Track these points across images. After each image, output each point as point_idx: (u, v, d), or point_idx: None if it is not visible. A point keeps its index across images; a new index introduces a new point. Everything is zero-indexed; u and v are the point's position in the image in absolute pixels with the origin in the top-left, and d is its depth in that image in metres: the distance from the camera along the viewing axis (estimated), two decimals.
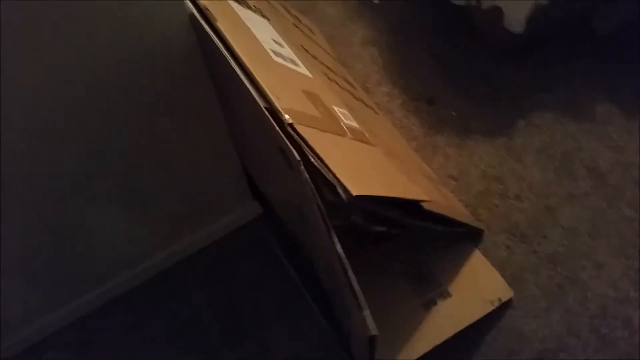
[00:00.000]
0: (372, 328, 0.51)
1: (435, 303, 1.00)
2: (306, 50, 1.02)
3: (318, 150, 0.60)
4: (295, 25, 1.17)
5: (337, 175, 0.58)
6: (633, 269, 1.12)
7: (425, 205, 0.76)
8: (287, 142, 0.60)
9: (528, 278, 1.12)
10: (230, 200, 1.14)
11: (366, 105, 1.14)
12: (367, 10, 1.48)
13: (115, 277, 1.12)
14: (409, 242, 1.08)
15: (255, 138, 0.78)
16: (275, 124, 0.62)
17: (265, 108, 0.63)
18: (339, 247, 0.55)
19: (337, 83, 1.03)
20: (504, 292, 1.08)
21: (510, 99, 1.33)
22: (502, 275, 1.11)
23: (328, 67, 1.10)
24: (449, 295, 1.02)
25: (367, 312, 0.51)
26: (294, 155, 0.59)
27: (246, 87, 0.64)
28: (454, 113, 1.32)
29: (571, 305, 1.09)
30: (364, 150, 0.74)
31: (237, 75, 0.65)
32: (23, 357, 1.08)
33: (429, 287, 1.02)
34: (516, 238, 1.16)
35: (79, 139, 0.83)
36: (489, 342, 1.06)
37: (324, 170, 0.58)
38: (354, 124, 0.79)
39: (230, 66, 0.66)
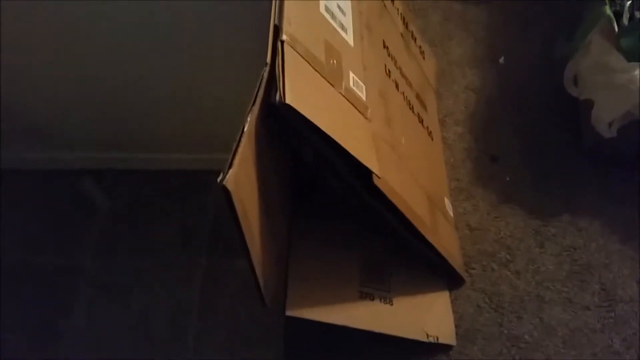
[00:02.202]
0: (227, 179, 0.61)
1: (372, 299, 1.06)
2: (385, 47, 1.15)
3: (287, 67, 0.73)
4: (402, 34, 1.30)
5: (285, 84, 0.71)
6: None
7: (376, 180, 0.85)
8: (270, 48, 0.74)
9: (479, 342, 1.12)
10: None
11: (421, 123, 1.23)
12: (488, 63, 1.55)
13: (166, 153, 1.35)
14: (387, 245, 1.14)
15: None
16: (271, 39, 0.76)
17: (275, 25, 0.78)
18: (247, 124, 0.68)
19: (396, 83, 1.14)
20: (447, 336, 1.10)
21: (569, 193, 1.31)
22: (456, 325, 1.12)
23: (403, 74, 1.21)
24: (390, 302, 1.07)
25: (233, 172, 0.63)
26: (266, 58, 0.73)
27: (272, 7, 0.79)
28: (508, 178, 1.34)
29: None
30: (345, 107, 0.85)
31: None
32: (64, 175, 1.35)
33: (376, 285, 1.07)
34: (492, 304, 1.16)
35: None
36: None
37: (279, 77, 0.71)
38: (361, 95, 0.90)
39: None
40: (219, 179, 0.63)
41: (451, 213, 1.24)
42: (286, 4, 0.80)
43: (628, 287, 1.18)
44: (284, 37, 0.76)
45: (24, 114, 1.24)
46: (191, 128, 1.26)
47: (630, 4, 1.19)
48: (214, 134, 1.21)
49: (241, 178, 0.67)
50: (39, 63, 1.15)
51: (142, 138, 1.29)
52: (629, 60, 1.14)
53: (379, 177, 0.85)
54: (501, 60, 1.56)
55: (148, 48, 1.13)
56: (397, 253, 1.11)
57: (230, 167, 0.64)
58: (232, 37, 1.10)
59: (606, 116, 1.22)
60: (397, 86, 1.15)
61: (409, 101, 1.20)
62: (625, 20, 1.18)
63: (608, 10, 1.17)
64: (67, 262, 1.24)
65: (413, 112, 1.21)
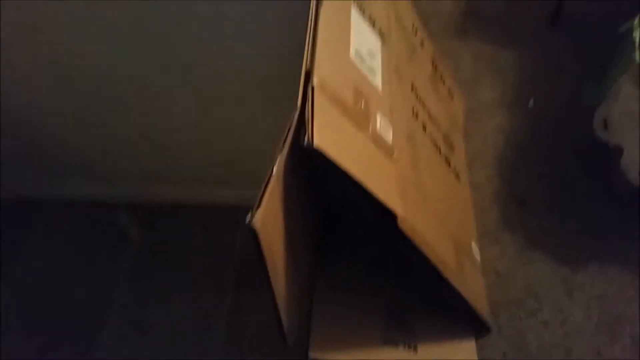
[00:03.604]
0: (255, 219, 0.62)
1: (396, 345, 1.04)
2: (413, 89, 1.16)
3: (316, 111, 0.74)
4: (430, 76, 1.32)
5: (314, 127, 0.72)
6: None
7: (400, 223, 0.85)
8: (300, 93, 0.76)
9: None
10: None
11: (448, 164, 1.23)
12: (518, 106, 1.55)
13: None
14: (412, 289, 1.13)
15: None
16: (302, 83, 0.78)
17: (306, 71, 0.80)
18: (276, 165, 0.69)
19: (423, 125, 1.15)
20: None
21: (598, 240, 1.29)
22: None
23: (430, 116, 1.21)
24: (414, 349, 1.05)
25: (260, 212, 0.64)
26: (296, 102, 0.75)
27: (305, 51, 0.82)
28: (535, 223, 1.32)
29: None
30: (371, 150, 0.85)
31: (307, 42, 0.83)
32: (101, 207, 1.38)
33: (400, 331, 1.05)
34: (519, 355, 1.13)
35: None
36: None
37: (308, 121, 0.73)
38: (387, 138, 0.91)
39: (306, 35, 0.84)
40: (247, 219, 0.63)
41: (478, 258, 1.22)
42: (318, 49, 0.82)
43: None
44: (315, 81, 0.78)
45: (65, 148, 1.29)
46: (224, 164, 1.29)
47: None
48: (246, 170, 1.23)
49: (268, 218, 0.68)
50: (79, 98, 1.20)
51: (175, 172, 1.33)
52: None
53: (403, 219, 0.84)
54: (530, 103, 1.56)
55: (182, 84, 1.17)
56: (422, 298, 1.10)
57: (258, 207, 0.65)
58: (269, 78, 1.12)
59: (636, 164, 1.20)
60: (424, 128, 1.15)
61: (436, 143, 1.20)
62: None
63: (638, 57, 1.17)
64: (97, 293, 1.26)
65: (440, 153, 1.21)
